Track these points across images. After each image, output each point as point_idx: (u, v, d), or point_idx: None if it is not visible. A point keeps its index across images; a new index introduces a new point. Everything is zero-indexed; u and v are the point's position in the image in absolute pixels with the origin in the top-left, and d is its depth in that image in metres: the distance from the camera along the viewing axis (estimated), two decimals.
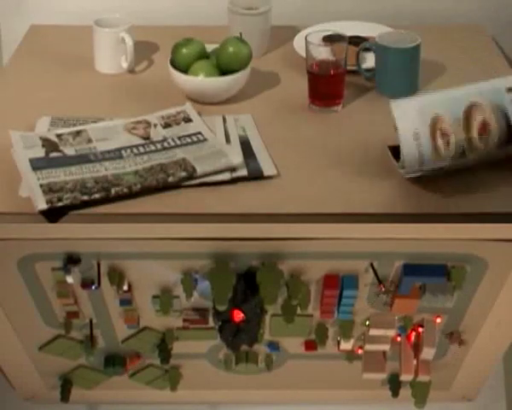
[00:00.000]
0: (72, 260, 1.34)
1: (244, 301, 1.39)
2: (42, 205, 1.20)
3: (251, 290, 1.37)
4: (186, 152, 1.34)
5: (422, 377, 1.57)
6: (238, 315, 1.41)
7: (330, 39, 1.47)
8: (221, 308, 1.37)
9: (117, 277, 1.37)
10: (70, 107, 1.49)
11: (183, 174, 1.28)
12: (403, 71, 1.48)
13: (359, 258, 1.35)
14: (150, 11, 1.79)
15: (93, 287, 1.37)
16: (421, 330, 1.50)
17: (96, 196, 1.23)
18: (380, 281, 1.36)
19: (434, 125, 1.23)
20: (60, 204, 1.21)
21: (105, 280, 1.37)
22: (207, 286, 1.36)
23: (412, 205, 1.25)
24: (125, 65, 1.59)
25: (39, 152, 1.32)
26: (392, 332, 1.50)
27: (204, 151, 1.34)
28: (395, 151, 1.29)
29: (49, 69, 1.62)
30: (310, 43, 1.44)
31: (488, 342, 1.53)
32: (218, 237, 1.27)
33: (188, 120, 1.43)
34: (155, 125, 1.41)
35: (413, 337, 1.52)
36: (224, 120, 1.44)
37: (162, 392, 1.70)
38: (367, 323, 1.49)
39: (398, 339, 1.53)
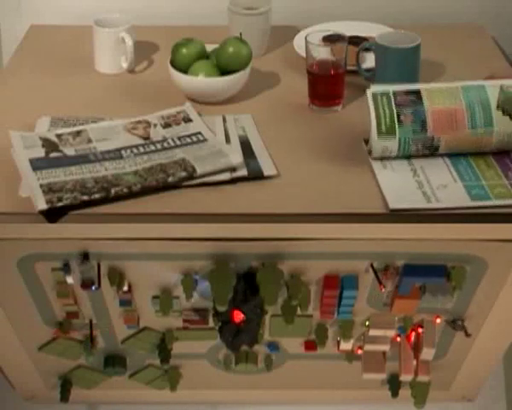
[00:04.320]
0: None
1: (244, 302, 1.39)
2: (42, 205, 1.20)
3: (251, 291, 1.37)
4: (186, 152, 1.34)
5: (422, 378, 1.57)
6: (238, 316, 1.41)
7: (330, 39, 1.47)
8: (221, 309, 1.37)
9: (117, 277, 1.37)
10: (70, 107, 1.49)
11: (183, 174, 1.28)
12: (403, 71, 1.48)
13: (359, 258, 1.35)
14: (150, 11, 1.79)
15: (93, 287, 1.36)
16: (420, 330, 1.50)
17: (96, 196, 1.23)
18: (380, 281, 1.36)
19: None
20: (60, 204, 1.21)
21: (105, 281, 1.37)
22: (207, 287, 1.36)
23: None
24: (124, 65, 1.59)
25: (39, 152, 1.32)
26: (391, 332, 1.50)
27: (204, 151, 1.34)
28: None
29: (49, 69, 1.62)
30: (310, 43, 1.44)
31: (488, 342, 1.53)
32: (218, 237, 1.27)
33: (188, 120, 1.43)
34: (155, 125, 1.41)
35: (413, 338, 1.52)
36: (224, 120, 1.44)
37: (162, 392, 1.69)
38: (367, 323, 1.49)
39: (398, 339, 1.53)
